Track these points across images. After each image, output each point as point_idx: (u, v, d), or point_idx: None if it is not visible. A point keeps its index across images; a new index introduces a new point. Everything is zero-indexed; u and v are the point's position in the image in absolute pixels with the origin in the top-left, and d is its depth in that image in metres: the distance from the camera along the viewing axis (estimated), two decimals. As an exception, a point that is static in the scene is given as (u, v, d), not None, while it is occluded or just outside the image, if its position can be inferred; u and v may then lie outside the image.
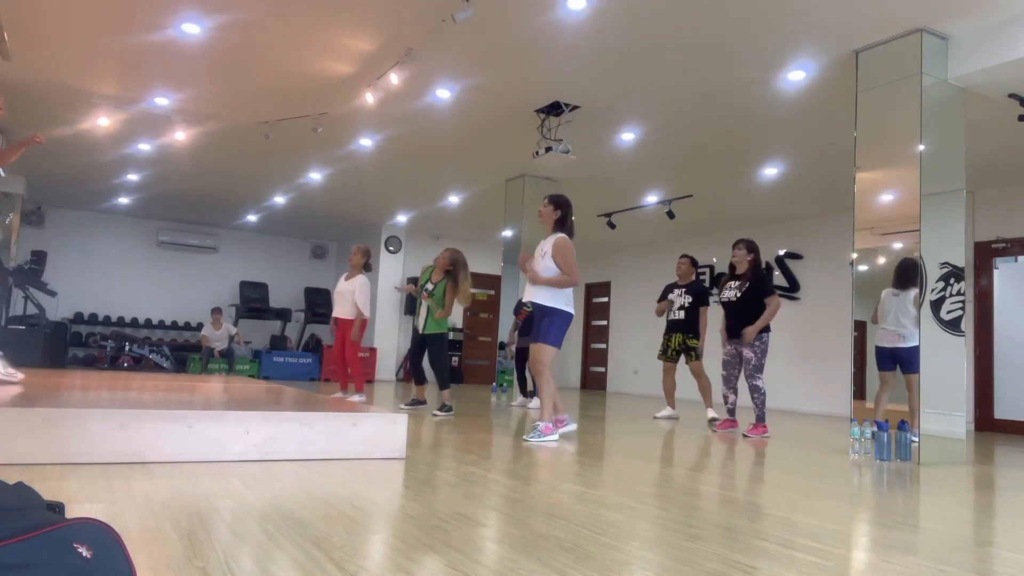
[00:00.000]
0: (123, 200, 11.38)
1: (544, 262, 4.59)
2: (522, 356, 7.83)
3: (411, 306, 12.63)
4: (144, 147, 8.24)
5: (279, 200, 10.83)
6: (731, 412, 5.89)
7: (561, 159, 6.50)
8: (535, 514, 2.27)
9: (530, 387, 7.82)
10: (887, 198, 4.64)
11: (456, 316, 13.23)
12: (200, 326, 12.43)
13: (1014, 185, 7.83)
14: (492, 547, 1.85)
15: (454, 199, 10.22)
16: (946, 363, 4.49)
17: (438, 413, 5.80)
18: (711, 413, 6.63)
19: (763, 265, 5.94)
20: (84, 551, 1.01)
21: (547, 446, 4.15)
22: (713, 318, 8.59)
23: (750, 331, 5.45)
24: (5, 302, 9.75)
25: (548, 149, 6.47)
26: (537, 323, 4.63)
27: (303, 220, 12.39)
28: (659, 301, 7.15)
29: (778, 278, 10.15)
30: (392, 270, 12.72)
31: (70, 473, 2.53)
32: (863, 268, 4.83)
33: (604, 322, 13.51)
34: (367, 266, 6.80)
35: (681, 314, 6.90)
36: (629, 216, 10.39)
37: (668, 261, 12.10)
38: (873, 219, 4.72)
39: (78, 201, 11.62)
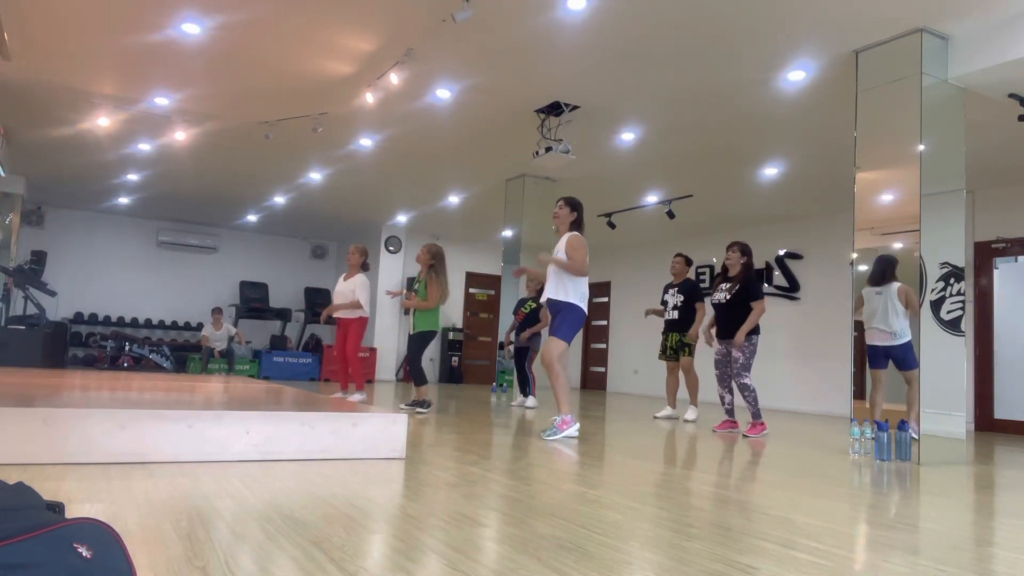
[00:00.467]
0: (123, 200, 11.38)
1: (558, 257, 4.71)
2: (521, 355, 7.82)
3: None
4: (144, 147, 8.24)
5: (279, 200, 10.83)
6: (729, 412, 5.91)
7: (561, 159, 6.50)
8: (535, 514, 2.27)
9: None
10: (887, 198, 4.64)
11: (456, 316, 13.23)
12: (200, 326, 12.44)
13: (1014, 185, 7.83)
14: (492, 547, 1.85)
15: (454, 199, 10.22)
16: (946, 363, 4.49)
17: (420, 411, 5.85)
18: (690, 413, 6.73)
19: (754, 268, 5.95)
20: (84, 551, 1.01)
21: (570, 438, 4.17)
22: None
23: (739, 337, 5.50)
24: (5, 302, 9.76)
25: (548, 149, 6.47)
26: (553, 319, 4.70)
27: (303, 220, 12.39)
28: (660, 304, 7.22)
29: (778, 278, 10.15)
30: (392, 270, 12.72)
31: (70, 473, 2.53)
32: (863, 268, 4.83)
33: (604, 322, 13.51)
34: (365, 265, 6.83)
35: (675, 313, 6.96)
36: (629, 216, 10.39)
37: (668, 261, 12.10)
38: (873, 219, 4.72)
39: (78, 201, 11.62)
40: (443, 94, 6.19)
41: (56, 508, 1.16)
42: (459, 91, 6.13)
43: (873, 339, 4.83)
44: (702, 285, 10.95)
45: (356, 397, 6.51)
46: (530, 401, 7.54)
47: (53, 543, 0.99)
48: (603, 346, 13.49)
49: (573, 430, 4.48)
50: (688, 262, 7.11)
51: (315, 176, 9.29)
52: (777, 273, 10.17)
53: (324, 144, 7.82)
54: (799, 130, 6.59)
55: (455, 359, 12.92)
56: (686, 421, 6.62)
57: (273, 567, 1.58)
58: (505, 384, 10.19)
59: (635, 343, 12.67)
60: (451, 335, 12.92)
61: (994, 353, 7.79)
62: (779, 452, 4.56)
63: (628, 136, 7.06)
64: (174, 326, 12.65)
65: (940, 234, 4.54)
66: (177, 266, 13.01)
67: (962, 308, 4.62)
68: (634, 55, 5.27)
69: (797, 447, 4.92)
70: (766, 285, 10.18)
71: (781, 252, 10.18)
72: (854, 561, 1.91)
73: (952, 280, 4.57)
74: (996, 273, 7.93)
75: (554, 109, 6.42)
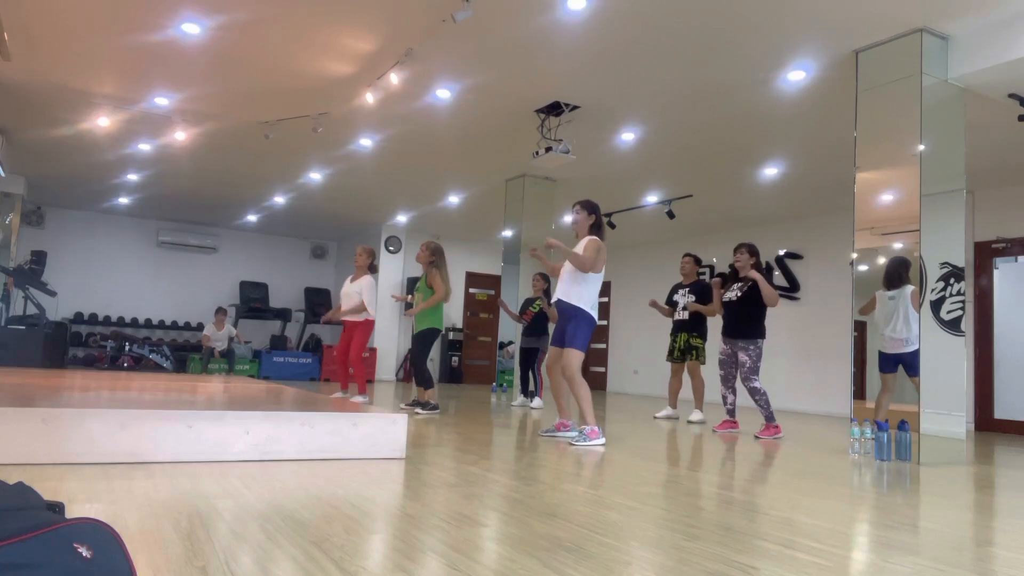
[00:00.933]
0: (123, 200, 11.38)
1: (569, 249, 4.58)
2: (526, 356, 7.75)
3: (411, 307, 12.64)
4: (144, 147, 8.24)
5: (279, 200, 10.83)
6: (731, 413, 5.90)
7: (561, 159, 6.51)
8: (535, 514, 2.27)
9: (531, 387, 7.79)
10: (887, 198, 4.64)
11: (456, 316, 13.23)
12: (200, 326, 12.44)
13: (1014, 185, 7.83)
14: (492, 547, 1.85)
15: (454, 199, 10.22)
16: (946, 363, 4.49)
17: (420, 411, 5.80)
18: (696, 416, 6.67)
19: (763, 267, 5.94)
20: (84, 551, 1.01)
21: (594, 450, 4.10)
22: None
23: (754, 273, 5.54)
24: (5, 302, 9.76)
25: (548, 149, 6.47)
26: (561, 325, 4.60)
27: (303, 220, 12.39)
28: (666, 304, 7.14)
29: (778, 278, 10.15)
30: (392, 270, 12.72)
31: (70, 473, 2.53)
32: (863, 268, 4.83)
33: (604, 322, 13.51)
34: (372, 267, 6.77)
35: (685, 314, 6.88)
36: (629, 216, 10.39)
37: (668, 261, 12.10)
38: (873, 219, 4.72)
39: (78, 201, 11.62)
40: (443, 94, 6.19)
41: (56, 508, 1.16)
42: (459, 91, 6.13)
43: (886, 347, 4.76)
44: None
45: (358, 399, 6.45)
46: (536, 403, 7.49)
47: (53, 543, 0.99)
48: (603, 346, 13.49)
49: (600, 441, 4.36)
50: (697, 261, 7.04)
51: (315, 176, 9.29)
52: (777, 273, 10.17)
53: (324, 144, 7.82)
54: (799, 130, 6.59)
55: (455, 359, 12.92)
56: (690, 422, 6.55)
57: (273, 567, 1.58)
58: (505, 384, 10.20)
59: (635, 343, 12.67)
60: (451, 335, 12.92)
61: (994, 353, 7.78)
62: (779, 452, 4.56)
63: (628, 136, 7.06)
64: (174, 326, 12.65)
65: (940, 234, 4.53)
66: (177, 266, 13.01)
67: (962, 308, 4.62)
68: (634, 55, 5.27)
69: (797, 447, 4.92)
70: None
71: (781, 252, 10.18)
72: (854, 561, 1.91)
73: (952, 280, 4.57)
74: (996, 273, 7.93)
75: (554, 109, 6.42)
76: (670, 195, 9.22)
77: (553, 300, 4.68)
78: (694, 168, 7.99)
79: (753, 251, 5.79)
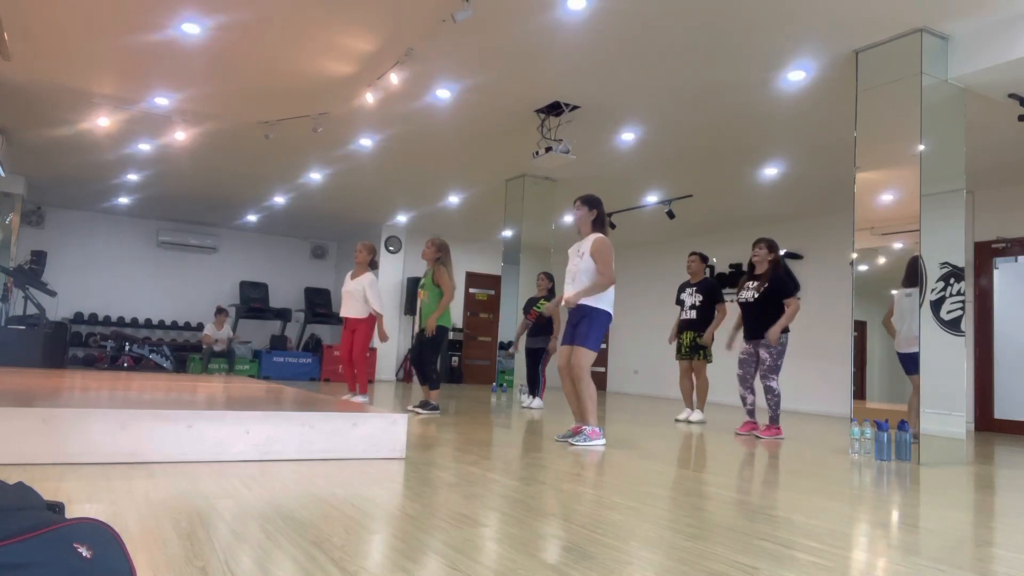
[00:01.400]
0: (123, 200, 11.38)
1: (583, 262, 4.45)
2: (532, 357, 7.67)
3: (411, 306, 12.62)
4: (144, 147, 8.24)
5: (279, 200, 10.83)
6: (751, 414, 5.75)
7: (561, 159, 6.50)
8: (535, 514, 2.27)
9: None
10: (887, 198, 4.64)
11: (456, 316, 13.23)
12: (200, 326, 12.44)
13: (1014, 185, 7.83)
14: (492, 547, 1.85)
15: (454, 199, 10.22)
16: (946, 363, 4.49)
17: (420, 411, 5.76)
18: (696, 416, 6.62)
19: (783, 262, 5.80)
20: (84, 551, 1.01)
21: (594, 450, 4.07)
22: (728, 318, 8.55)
23: (773, 332, 5.36)
24: (5, 302, 9.76)
25: (548, 149, 6.47)
26: (573, 323, 4.46)
27: (303, 220, 12.39)
28: (676, 303, 7.06)
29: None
30: (392, 270, 12.72)
31: (70, 473, 2.53)
32: (863, 268, 4.83)
33: (604, 322, 13.50)
34: (373, 263, 6.66)
35: (693, 313, 6.79)
36: (629, 216, 10.39)
37: (668, 261, 12.11)
38: (873, 219, 4.72)
39: (78, 201, 11.62)
40: (443, 94, 6.19)
41: (56, 508, 1.16)
42: (459, 91, 6.13)
43: (900, 347, 4.71)
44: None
45: (358, 399, 6.40)
46: (536, 403, 7.45)
47: (53, 543, 0.99)
48: (603, 346, 13.50)
49: (600, 442, 4.32)
50: (704, 260, 6.96)
51: (315, 176, 9.29)
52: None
53: (324, 144, 7.82)
54: (799, 130, 6.59)
55: (455, 359, 12.92)
56: (689, 422, 6.52)
57: (273, 567, 1.58)
58: (505, 384, 10.19)
59: (635, 343, 12.67)
60: (451, 335, 12.92)
61: (994, 353, 7.78)
62: (779, 452, 4.56)
63: (628, 136, 7.06)
64: (174, 326, 12.66)
65: (940, 234, 4.53)
66: (177, 266, 13.01)
67: (962, 308, 4.62)
68: (634, 55, 5.27)
69: (798, 447, 4.92)
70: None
71: (781, 252, 10.18)
72: (854, 561, 1.91)
73: (952, 280, 4.57)
74: (996, 273, 7.93)
75: (554, 109, 6.42)
76: (670, 195, 9.22)
77: (566, 299, 4.52)
78: (694, 168, 7.99)
79: (772, 246, 5.68)
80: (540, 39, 5.10)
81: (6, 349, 9.25)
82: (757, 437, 5.41)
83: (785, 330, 5.48)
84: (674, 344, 7.08)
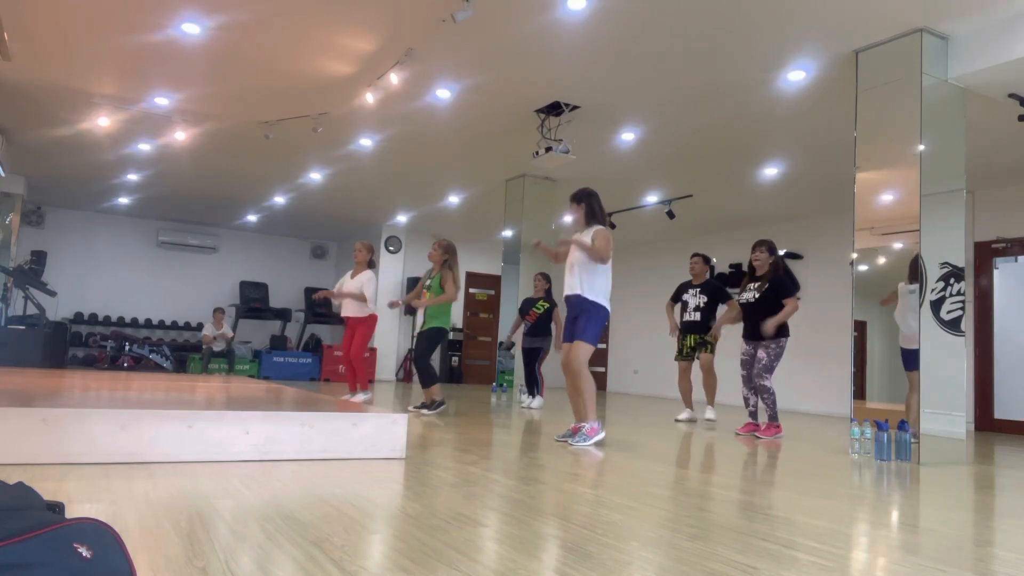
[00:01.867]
0: (123, 200, 11.38)
1: (580, 252, 4.44)
2: (530, 356, 7.66)
3: (411, 307, 12.62)
4: (144, 147, 8.24)
5: (279, 200, 10.83)
6: (753, 415, 5.73)
7: (561, 159, 6.50)
8: (535, 514, 2.27)
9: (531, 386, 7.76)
10: (887, 198, 4.64)
11: (456, 316, 13.23)
12: (200, 326, 12.44)
13: (1014, 185, 7.83)
14: (492, 547, 1.85)
15: (454, 199, 10.22)
16: (946, 363, 4.49)
17: (424, 412, 5.73)
18: (709, 413, 6.51)
19: (785, 266, 5.78)
20: (84, 551, 1.01)
21: (594, 449, 4.05)
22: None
23: (770, 324, 5.39)
24: (5, 302, 9.76)
25: (548, 149, 6.47)
26: (571, 319, 4.46)
27: (303, 220, 12.39)
28: (672, 301, 6.94)
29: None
30: (392, 270, 12.72)
31: (70, 473, 2.53)
32: (863, 268, 4.83)
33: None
34: (371, 263, 6.68)
35: (697, 315, 6.71)
36: (629, 216, 10.39)
37: (668, 261, 12.11)
38: (873, 219, 4.72)
39: (78, 201, 11.62)
40: (443, 94, 6.19)
41: (56, 508, 1.16)
42: (459, 91, 6.13)
43: (904, 343, 4.70)
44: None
45: (359, 398, 6.39)
46: (536, 402, 7.44)
47: (53, 543, 0.99)
48: (603, 346, 13.50)
49: (599, 437, 4.31)
50: (706, 261, 6.90)
51: (315, 176, 9.29)
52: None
53: (324, 144, 7.82)
54: (799, 130, 6.59)
55: (455, 359, 12.92)
56: (707, 420, 6.45)
57: (273, 567, 1.58)
58: (505, 384, 10.19)
59: (634, 343, 12.66)
60: (451, 335, 12.92)
61: (994, 353, 7.78)
62: (779, 452, 4.56)
63: (628, 136, 7.06)
64: (174, 326, 12.66)
65: (940, 234, 4.53)
66: (177, 266, 13.01)
67: (962, 308, 4.61)
68: (634, 55, 5.27)
69: (798, 447, 4.92)
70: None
71: (781, 252, 10.17)
72: (854, 561, 1.91)
73: (952, 280, 4.57)
74: (996, 273, 7.93)
75: (554, 109, 6.42)
76: (670, 195, 9.22)
77: (564, 294, 4.52)
78: (694, 168, 7.99)
79: (773, 249, 5.69)
80: (540, 39, 5.10)
81: (6, 349, 9.25)
82: (757, 437, 5.41)
83: (785, 334, 5.50)
84: (674, 340, 7.03)
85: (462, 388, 10.94)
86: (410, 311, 12.66)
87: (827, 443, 5.32)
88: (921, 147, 4.45)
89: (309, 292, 13.38)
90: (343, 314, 6.63)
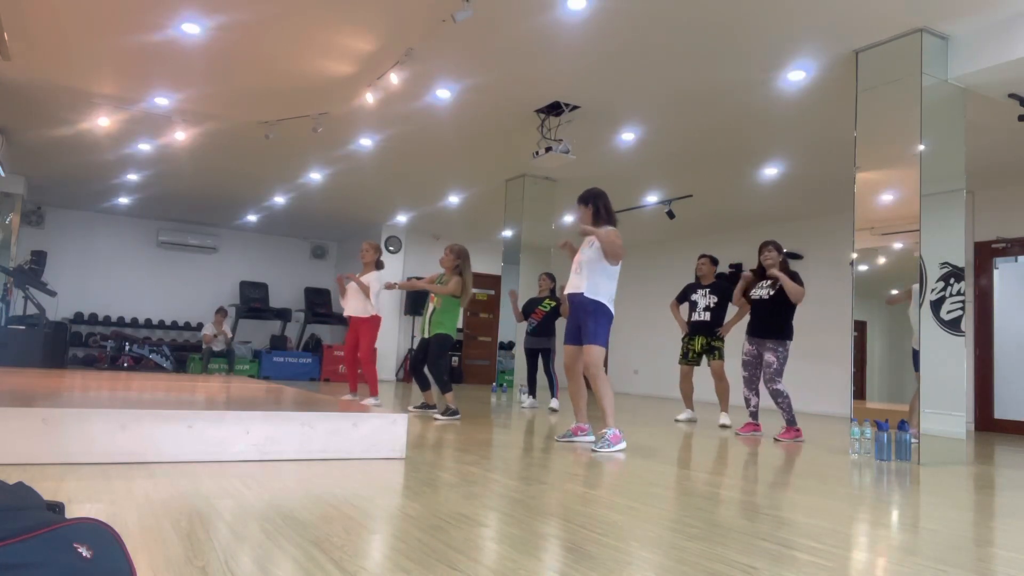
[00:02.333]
0: (123, 200, 11.38)
1: (591, 251, 4.34)
2: (532, 357, 7.60)
3: (412, 306, 12.61)
4: (144, 147, 8.25)
5: (279, 200, 10.83)
6: (753, 416, 5.70)
7: (561, 159, 6.50)
8: (535, 514, 2.27)
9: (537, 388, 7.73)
10: (887, 198, 4.64)
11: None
12: (200, 326, 12.44)
13: (1014, 185, 7.83)
14: (492, 547, 1.85)
15: (454, 199, 10.23)
16: (946, 363, 4.49)
17: (439, 417, 5.54)
18: (724, 419, 6.38)
19: (789, 265, 5.75)
20: (84, 551, 1.01)
21: (617, 456, 3.88)
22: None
23: (782, 275, 5.38)
24: (5, 302, 9.76)
25: (548, 149, 6.47)
26: (576, 321, 4.36)
27: (303, 220, 12.39)
28: (678, 301, 6.87)
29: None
30: (393, 271, 12.71)
31: (70, 473, 2.53)
32: (863, 268, 4.83)
33: (604, 322, 13.50)
34: (379, 263, 6.56)
35: (707, 315, 6.62)
36: (629, 216, 10.39)
37: (668, 261, 12.11)
38: (873, 219, 4.72)
39: (78, 201, 11.62)
40: (443, 94, 6.19)
41: (56, 508, 1.16)
42: (459, 91, 6.13)
43: (916, 344, 4.67)
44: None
45: (370, 402, 6.19)
46: (554, 403, 7.33)
47: (53, 543, 0.99)
48: (603, 346, 13.48)
49: (622, 446, 4.14)
50: (714, 262, 6.82)
51: (315, 176, 9.29)
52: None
53: (324, 144, 7.83)
54: (799, 130, 6.59)
55: (455, 359, 12.92)
56: (723, 426, 6.26)
57: (273, 567, 1.58)
58: (505, 384, 10.19)
59: (635, 343, 12.67)
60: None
61: (994, 353, 7.78)
62: (779, 452, 4.56)
63: (628, 136, 7.06)
64: (174, 326, 12.66)
65: (940, 234, 4.53)
66: (177, 266, 13.01)
67: (962, 308, 4.62)
68: (634, 55, 5.27)
69: (798, 447, 4.92)
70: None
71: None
72: (854, 561, 1.91)
73: (952, 280, 4.57)
74: (996, 273, 7.93)
75: (554, 109, 6.42)
76: (670, 195, 9.22)
77: (567, 292, 4.42)
78: (694, 168, 7.99)
79: (780, 248, 5.65)
80: (540, 39, 5.10)
81: (6, 349, 9.25)
82: (776, 440, 5.33)
83: (790, 336, 5.48)
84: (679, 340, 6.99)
85: (462, 388, 10.94)
86: (411, 311, 12.66)
87: (827, 443, 5.32)
88: (921, 147, 4.45)
89: (309, 292, 13.38)
90: (346, 313, 6.52)
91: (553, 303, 7.55)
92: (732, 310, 6.67)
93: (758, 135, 6.79)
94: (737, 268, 10.70)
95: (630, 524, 2.20)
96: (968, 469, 4.18)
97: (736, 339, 8.90)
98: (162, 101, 6.75)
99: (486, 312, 13.49)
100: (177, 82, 6.26)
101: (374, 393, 6.41)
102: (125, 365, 11.13)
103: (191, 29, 5.19)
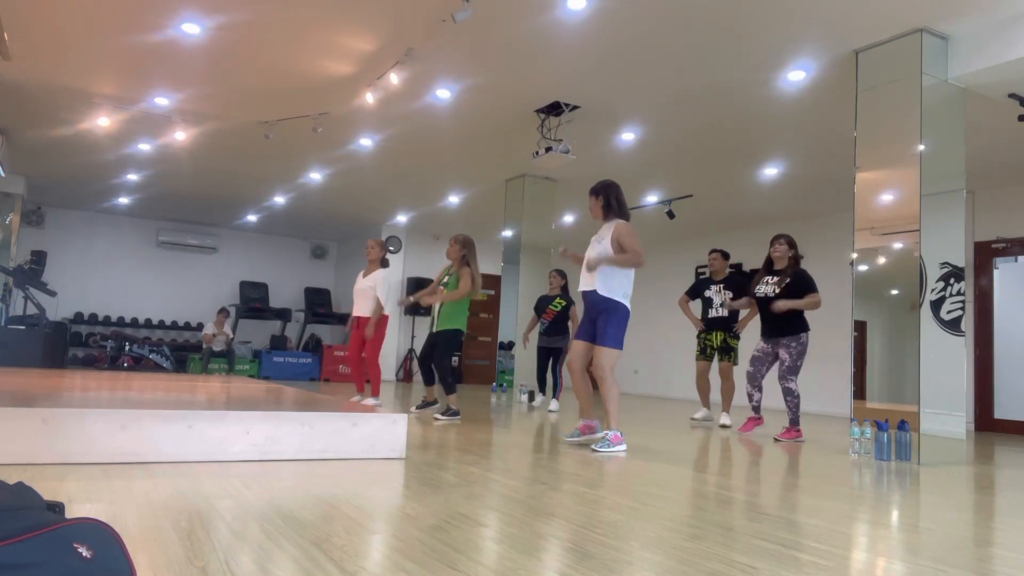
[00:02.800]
0: (123, 200, 11.38)
1: (599, 247, 4.21)
2: (545, 356, 7.52)
3: (412, 306, 12.59)
4: (144, 147, 8.24)
5: (279, 200, 10.83)
6: (755, 410, 5.66)
7: (561, 159, 6.50)
8: (535, 514, 2.27)
9: (546, 388, 7.70)
10: (887, 198, 4.64)
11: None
12: (200, 326, 12.44)
13: (1014, 185, 7.83)
14: (492, 547, 1.85)
15: (454, 199, 10.23)
16: (946, 363, 4.49)
17: (440, 417, 5.48)
18: (725, 419, 6.36)
19: (800, 259, 5.63)
20: (84, 551, 1.01)
21: (618, 456, 3.88)
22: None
23: (784, 304, 5.26)
24: (5, 302, 9.76)
25: (548, 149, 6.47)
26: (590, 318, 4.24)
27: (303, 220, 12.39)
28: (690, 297, 6.73)
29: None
30: (393, 270, 12.70)
31: (70, 473, 2.53)
32: (863, 268, 4.83)
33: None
34: (384, 261, 6.50)
35: (724, 311, 6.52)
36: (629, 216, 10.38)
37: (668, 261, 12.11)
38: (873, 219, 4.72)
39: (78, 201, 11.62)
40: (443, 94, 6.19)
41: (56, 508, 1.16)
42: (459, 91, 6.13)
43: None
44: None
45: (370, 402, 6.17)
46: (554, 404, 7.26)
47: (53, 543, 0.99)
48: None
49: (623, 447, 4.09)
50: (726, 256, 6.74)
51: (315, 176, 9.29)
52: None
53: (324, 144, 7.83)
54: (799, 130, 6.59)
55: (455, 359, 12.92)
56: (723, 426, 6.23)
57: (273, 567, 1.58)
58: (505, 384, 10.19)
59: (635, 343, 12.66)
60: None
61: (994, 353, 7.78)
62: (779, 452, 4.56)
63: (628, 136, 7.06)
64: (174, 326, 12.66)
65: (940, 234, 4.53)
66: (177, 266, 13.01)
67: (962, 308, 4.62)
68: (634, 55, 5.27)
69: (798, 447, 4.92)
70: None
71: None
72: (854, 561, 1.91)
73: (952, 280, 4.57)
74: (996, 273, 7.93)
75: (554, 109, 6.42)
76: (670, 195, 9.22)
77: (580, 289, 4.30)
78: (694, 168, 7.99)
79: (792, 243, 5.54)
80: (540, 39, 5.10)
81: (6, 349, 9.25)
82: (776, 440, 5.33)
83: (806, 328, 5.39)
84: (688, 342, 6.94)
85: (462, 388, 10.94)
86: (411, 311, 12.65)
87: (827, 443, 5.32)
88: (921, 147, 4.45)
89: (309, 292, 13.38)
90: (354, 313, 6.47)
91: (564, 302, 7.48)
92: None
93: (758, 135, 6.79)
94: (737, 268, 10.70)
95: (630, 524, 2.20)
96: (968, 469, 4.18)
97: (750, 339, 8.88)
98: (162, 101, 6.75)
99: (486, 312, 13.48)
100: (177, 82, 6.26)
101: (375, 393, 6.39)
102: (125, 365, 11.13)
103: (191, 29, 5.19)
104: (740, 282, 6.56)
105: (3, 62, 5.90)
